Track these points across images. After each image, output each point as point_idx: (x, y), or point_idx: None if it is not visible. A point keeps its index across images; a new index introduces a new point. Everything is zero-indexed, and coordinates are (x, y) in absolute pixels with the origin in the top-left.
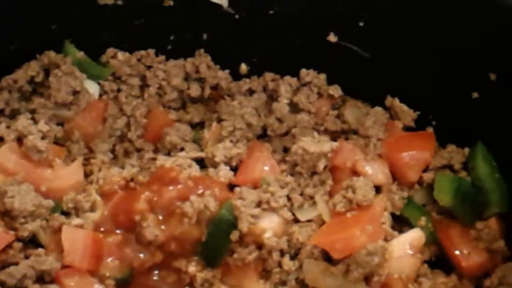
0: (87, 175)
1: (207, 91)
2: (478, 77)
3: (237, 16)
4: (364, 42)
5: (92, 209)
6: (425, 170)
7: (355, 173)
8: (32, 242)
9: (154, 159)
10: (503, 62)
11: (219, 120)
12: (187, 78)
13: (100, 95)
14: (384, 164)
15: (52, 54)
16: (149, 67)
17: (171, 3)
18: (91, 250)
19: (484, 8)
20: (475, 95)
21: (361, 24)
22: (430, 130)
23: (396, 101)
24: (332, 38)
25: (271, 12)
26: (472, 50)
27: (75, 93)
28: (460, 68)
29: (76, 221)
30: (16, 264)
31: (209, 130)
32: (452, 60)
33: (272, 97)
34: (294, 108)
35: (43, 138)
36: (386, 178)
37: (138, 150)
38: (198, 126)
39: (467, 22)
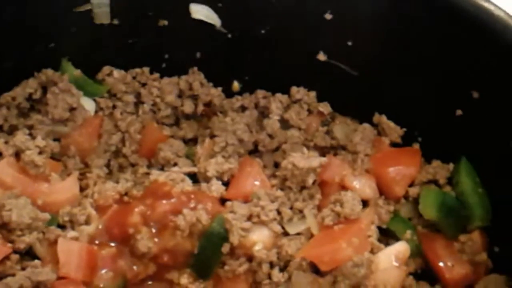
0: (82, 189)
1: (200, 108)
2: (461, 95)
3: (229, 36)
4: (352, 61)
5: (87, 222)
6: (411, 185)
7: (343, 187)
8: (29, 254)
9: (148, 174)
10: (485, 81)
11: (212, 136)
12: (180, 95)
13: (96, 112)
14: (372, 179)
15: (49, 72)
16: (143, 85)
17: (166, 22)
18: (86, 262)
19: (467, 29)
20: (459, 112)
21: (349, 43)
22: (416, 146)
23: (384, 118)
24: (322, 57)
25: (262, 31)
26: (456, 69)
27: (72, 109)
28: (445, 86)
29: (71, 234)
30: (13, 275)
31: (202, 145)
32: (437, 79)
33: (264, 113)
34: (285, 124)
35: (40, 153)
36: (373, 192)
37: (133, 165)
38: (191, 142)
39: (451, 43)
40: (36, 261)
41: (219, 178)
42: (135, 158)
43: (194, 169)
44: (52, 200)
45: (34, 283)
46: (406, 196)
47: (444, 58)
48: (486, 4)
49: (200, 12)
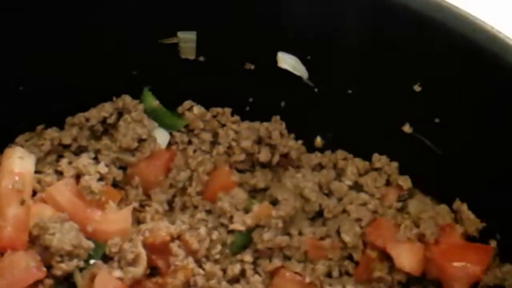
0: (139, 221)
1: (276, 158)
2: None
3: (316, 90)
4: (438, 139)
5: (135, 262)
6: (475, 286)
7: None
8: (68, 280)
9: (205, 220)
10: None
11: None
12: (259, 141)
13: (171, 145)
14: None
15: (128, 98)
16: (223, 125)
17: (252, 67)
18: None
19: None
20: None
21: (436, 120)
22: (493, 243)
23: (464, 206)
24: (407, 128)
25: (349, 91)
26: None
27: (141, 140)
28: None
29: (117, 273)
30: None
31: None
32: None
33: (340, 175)
34: (359, 189)
35: (100, 179)
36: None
37: (195, 207)
38: (262, 191)
39: None
40: None
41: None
42: (198, 200)
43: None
44: (103, 229)
45: None
46: None
47: None
48: None
49: (287, 61)
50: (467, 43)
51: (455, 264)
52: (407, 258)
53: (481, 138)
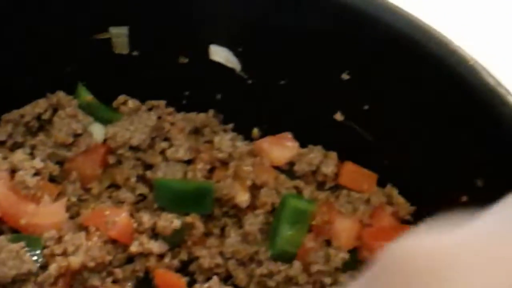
0: (78, 215)
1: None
2: (466, 182)
3: (249, 81)
4: (367, 125)
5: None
6: None
7: None
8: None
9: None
10: (490, 170)
11: None
12: (196, 132)
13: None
14: None
15: (61, 94)
16: (159, 118)
17: (186, 61)
18: None
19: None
20: (464, 198)
21: (365, 107)
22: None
23: (395, 191)
24: (339, 116)
25: (282, 82)
26: (462, 157)
27: (76, 135)
28: (453, 170)
29: None
30: None
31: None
32: (450, 160)
33: None
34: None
35: (36, 174)
36: None
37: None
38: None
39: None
40: None
41: None
42: (139, 186)
43: None
44: (36, 222)
45: None
46: None
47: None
48: None
49: (219, 54)
50: (391, 31)
51: (385, 243)
52: (344, 231)
53: (407, 124)
